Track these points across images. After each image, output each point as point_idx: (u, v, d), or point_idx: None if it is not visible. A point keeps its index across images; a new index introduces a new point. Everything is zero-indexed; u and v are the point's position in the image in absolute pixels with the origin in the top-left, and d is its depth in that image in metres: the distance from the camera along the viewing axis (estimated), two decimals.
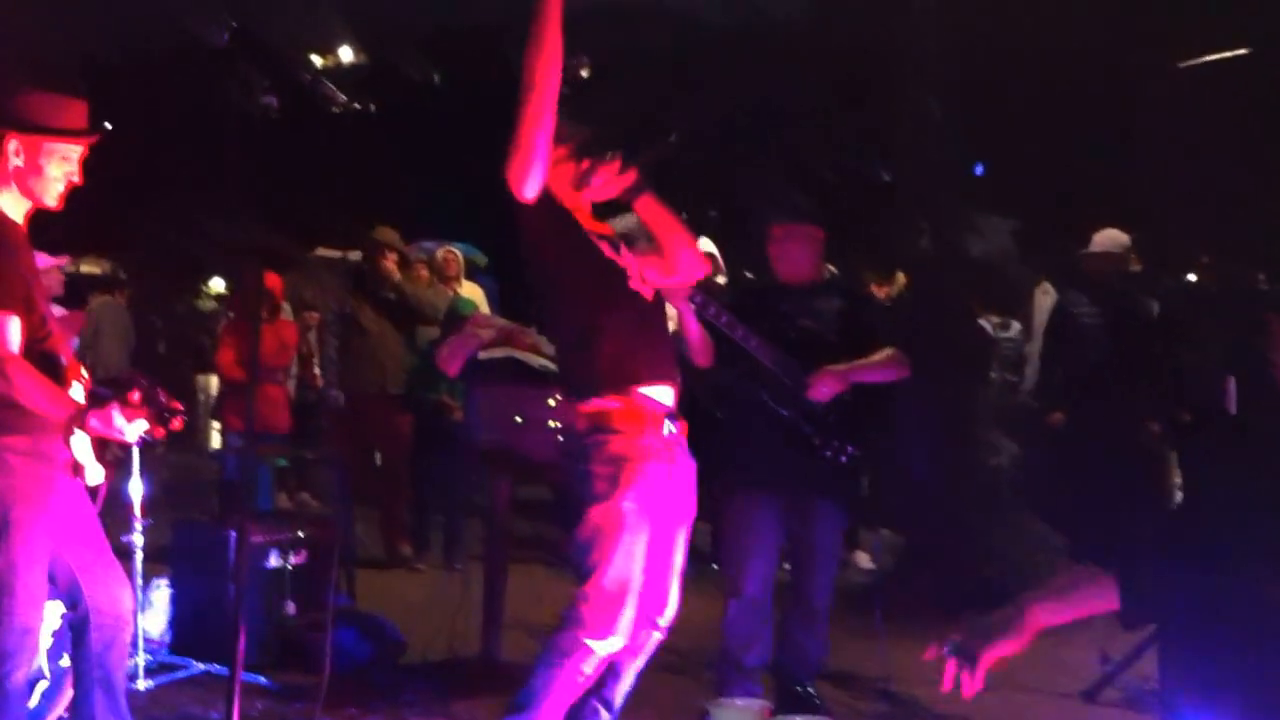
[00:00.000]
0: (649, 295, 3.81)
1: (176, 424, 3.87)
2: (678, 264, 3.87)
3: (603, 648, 3.55)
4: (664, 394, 3.71)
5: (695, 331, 4.62)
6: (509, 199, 3.59)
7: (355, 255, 8.52)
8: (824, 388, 4.66)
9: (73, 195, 3.82)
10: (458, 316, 7.66)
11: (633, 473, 3.58)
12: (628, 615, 3.57)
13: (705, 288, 4.61)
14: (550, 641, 3.58)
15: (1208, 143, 5.58)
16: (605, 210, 3.97)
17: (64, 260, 7.12)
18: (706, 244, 7.68)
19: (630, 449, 3.59)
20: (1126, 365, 7.37)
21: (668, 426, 3.70)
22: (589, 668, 3.57)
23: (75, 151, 3.76)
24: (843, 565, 7.97)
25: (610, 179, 3.73)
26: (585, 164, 3.73)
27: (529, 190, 3.54)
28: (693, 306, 4.53)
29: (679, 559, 3.81)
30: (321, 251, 10.45)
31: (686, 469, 3.80)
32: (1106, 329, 7.45)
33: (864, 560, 8.20)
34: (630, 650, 3.74)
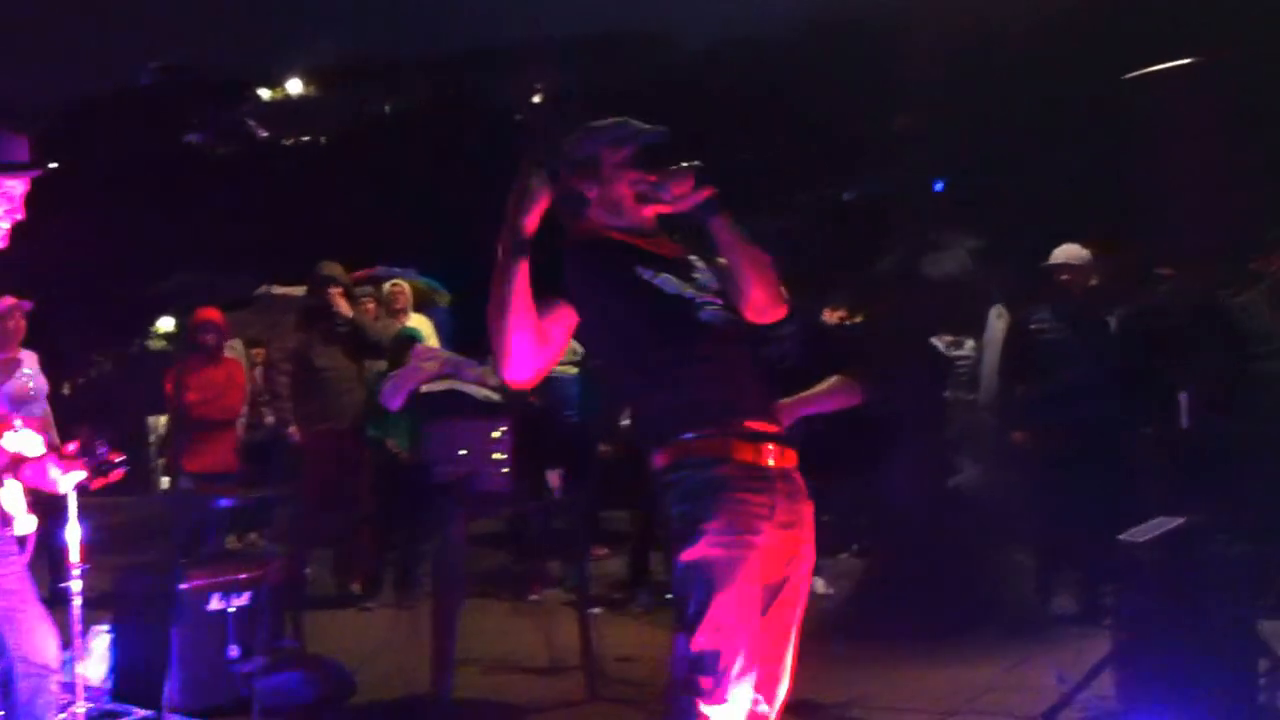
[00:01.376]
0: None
1: (116, 475, 3.80)
2: (749, 302, 3.21)
3: (718, 714, 2.92)
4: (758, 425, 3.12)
5: None
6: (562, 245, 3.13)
7: (299, 291, 8.42)
8: None
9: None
10: (405, 344, 7.60)
11: (720, 507, 2.97)
12: (739, 674, 2.95)
13: None
14: (666, 706, 3.02)
15: (1164, 155, 5.56)
16: None
17: (28, 305, 7.02)
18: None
19: (715, 480, 3.00)
20: (1095, 379, 7.33)
21: (769, 454, 3.08)
22: None
23: (18, 188, 3.65)
24: None
25: (682, 193, 3.15)
26: (653, 176, 3.17)
27: (518, 379, 3.04)
28: None
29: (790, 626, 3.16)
30: (267, 288, 10.36)
31: (795, 511, 3.11)
32: (1074, 343, 7.41)
33: (820, 586, 8.11)
34: None
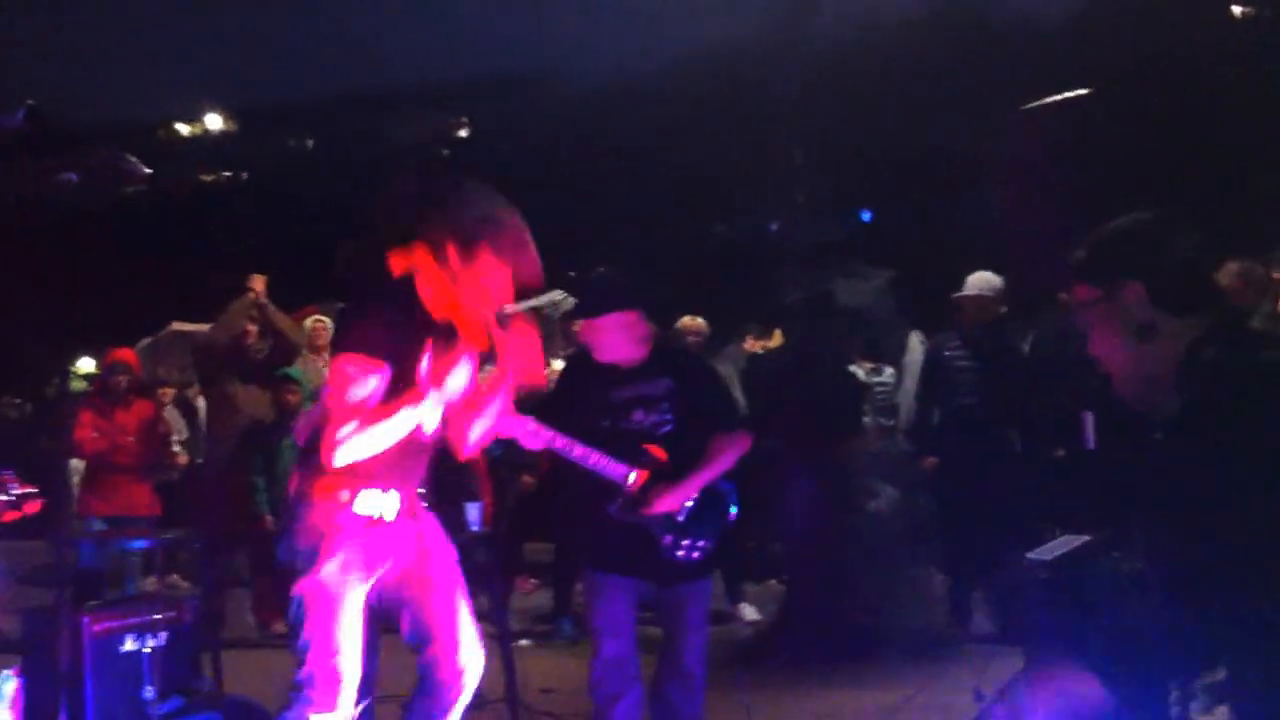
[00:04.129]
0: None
1: (31, 507, 3.79)
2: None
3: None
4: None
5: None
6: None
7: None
8: (661, 506, 4.55)
9: None
10: (282, 385, 7.64)
11: (331, 545, 3.50)
12: (347, 688, 3.53)
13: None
14: None
15: (1060, 181, 5.68)
16: None
17: None
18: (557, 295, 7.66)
19: (328, 522, 3.53)
20: (997, 406, 7.47)
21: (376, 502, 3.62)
22: None
23: None
24: (727, 618, 7.94)
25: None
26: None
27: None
28: (532, 432, 4.45)
29: (452, 605, 3.85)
30: (177, 326, 10.24)
31: (410, 529, 3.76)
32: (977, 371, 7.56)
33: (749, 613, 8.16)
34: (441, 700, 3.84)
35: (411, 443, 3.60)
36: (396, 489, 3.65)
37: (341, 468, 3.48)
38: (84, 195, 3.06)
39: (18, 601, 6.46)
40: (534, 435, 4.44)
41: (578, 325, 7.59)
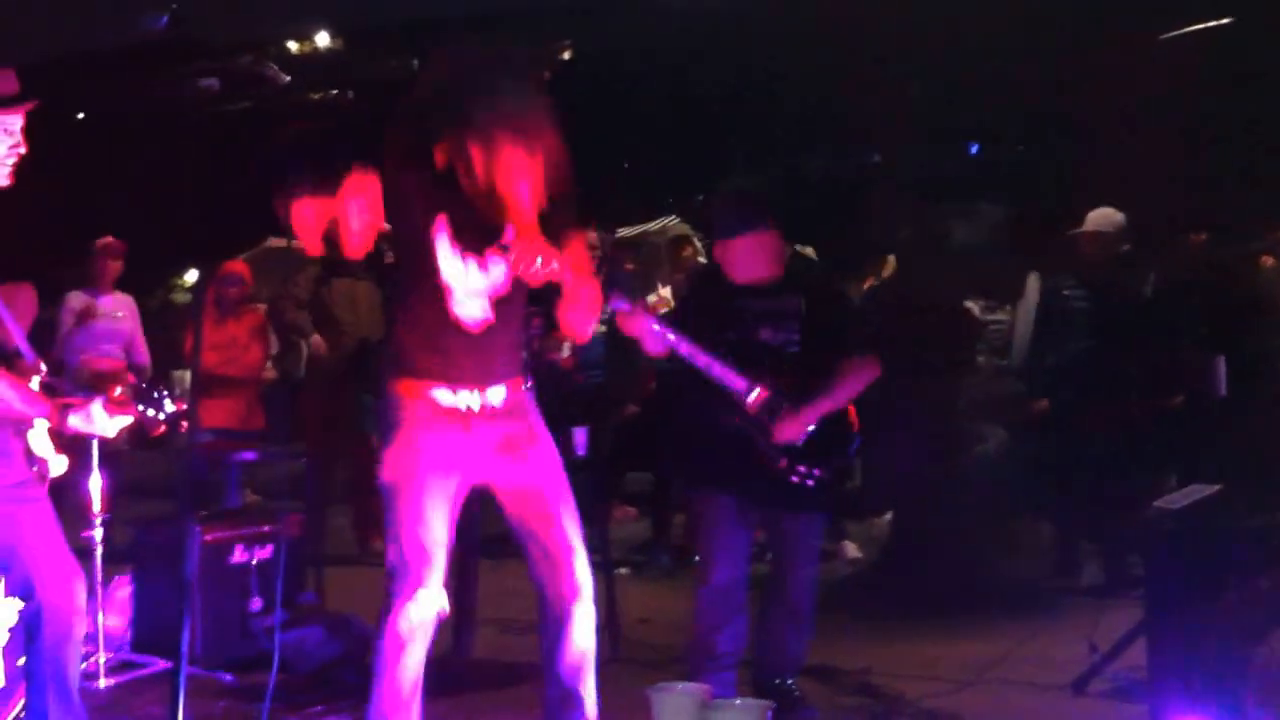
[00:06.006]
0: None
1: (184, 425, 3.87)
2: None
3: (411, 608, 3.61)
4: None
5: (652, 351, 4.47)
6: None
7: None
8: (790, 433, 4.47)
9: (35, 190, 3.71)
10: None
11: (403, 437, 3.61)
12: (429, 576, 3.61)
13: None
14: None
15: (1199, 117, 5.41)
16: None
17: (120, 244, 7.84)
18: (681, 226, 7.55)
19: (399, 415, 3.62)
20: (1115, 349, 7.22)
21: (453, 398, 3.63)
22: (403, 626, 3.62)
23: (16, 122, 3.62)
24: (829, 556, 7.84)
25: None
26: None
27: None
28: (655, 333, 4.37)
29: (559, 520, 3.92)
30: (273, 242, 10.16)
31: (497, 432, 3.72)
32: (1094, 312, 7.30)
33: (851, 550, 8.06)
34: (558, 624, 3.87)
35: (454, 333, 3.58)
36: (459, 385, 3.63)
37: (413, 364, 3.61)
38: (222, 102, 3.00)
39: (126, 512, 6.58)
40: (657, 337, 4.36)
41: (687, 251, 7.54)
